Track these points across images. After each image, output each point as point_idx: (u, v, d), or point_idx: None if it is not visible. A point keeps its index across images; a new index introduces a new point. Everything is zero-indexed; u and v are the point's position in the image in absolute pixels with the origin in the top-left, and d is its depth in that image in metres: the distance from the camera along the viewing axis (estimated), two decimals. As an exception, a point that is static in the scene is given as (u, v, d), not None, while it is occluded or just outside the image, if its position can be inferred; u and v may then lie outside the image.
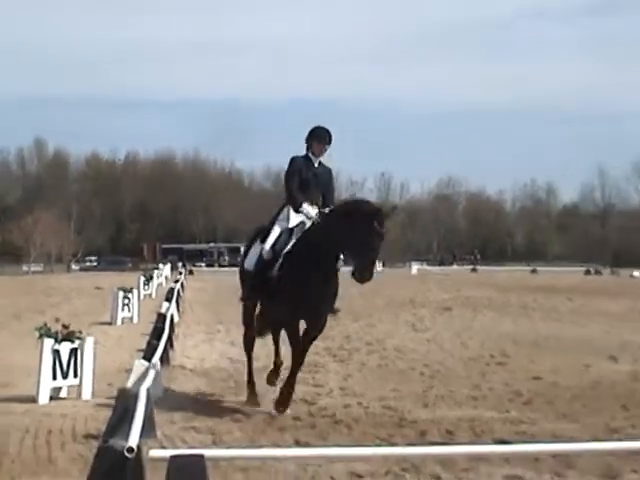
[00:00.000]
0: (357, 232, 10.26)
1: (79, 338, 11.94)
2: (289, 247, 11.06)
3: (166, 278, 50.86)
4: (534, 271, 75.85)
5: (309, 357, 16.29)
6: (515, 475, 7.79)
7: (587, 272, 73.87)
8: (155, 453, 6.76)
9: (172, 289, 29.32)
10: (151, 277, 40.00)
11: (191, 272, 70.47)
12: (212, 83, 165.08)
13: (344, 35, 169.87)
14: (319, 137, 11.30)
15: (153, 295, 35.38)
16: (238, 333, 20.87)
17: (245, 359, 12.27)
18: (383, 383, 12.88)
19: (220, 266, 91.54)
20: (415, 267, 79.08)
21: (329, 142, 11.33)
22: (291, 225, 11.23)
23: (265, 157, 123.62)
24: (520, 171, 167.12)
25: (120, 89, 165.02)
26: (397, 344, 18.20)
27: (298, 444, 9.15)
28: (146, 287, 35.84)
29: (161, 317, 17.03)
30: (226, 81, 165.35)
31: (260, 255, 11.29)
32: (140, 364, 11.15)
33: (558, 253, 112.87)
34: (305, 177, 11.18)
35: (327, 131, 11.33)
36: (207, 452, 6.83)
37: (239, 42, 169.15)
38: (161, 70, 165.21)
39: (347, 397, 11.93)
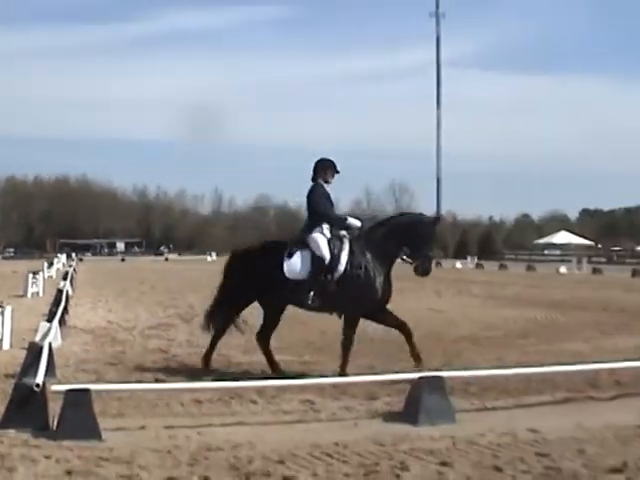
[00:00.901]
0: (423, 237, 9.75)
1: (1, 306, 11.86)
2: (346, 254, 9.61)
3: (62, 264, 49.53)
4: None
5: (163, 320, 16.31)
6: (308, 399, 7.86)
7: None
8: (55, 388, 6.73)
9: (67, 272, 29.34)
10: (52, 263, 40.14)
11: (81, 259, 70.69)
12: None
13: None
14: (331, 167, 10.01)
15: (54, 276, 34.31)
16: (115, 302, 20.88)
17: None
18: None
19: (101, 255, 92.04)
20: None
21: (337, 170, 10.07)
22: (319, 238, 9.65)
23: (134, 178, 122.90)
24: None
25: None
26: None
27: (157, 380, 9.02)
28: (49, 270, 34.88)
29: (59, 292, 16.69)
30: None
31: (314, 262, 9.52)
32: (44, 325, 10.86)
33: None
34: (329, 200, 9.97)
35: (333, 161, 10.07)
36: (92, 387, 6.81)
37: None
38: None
39: (191, 347, 11.78)
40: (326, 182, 10.02)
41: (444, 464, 5.62)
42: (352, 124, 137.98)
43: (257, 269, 9.77)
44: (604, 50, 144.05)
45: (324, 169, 10.00)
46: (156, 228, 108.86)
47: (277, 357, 10.18)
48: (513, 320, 15.74)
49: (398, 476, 5.40)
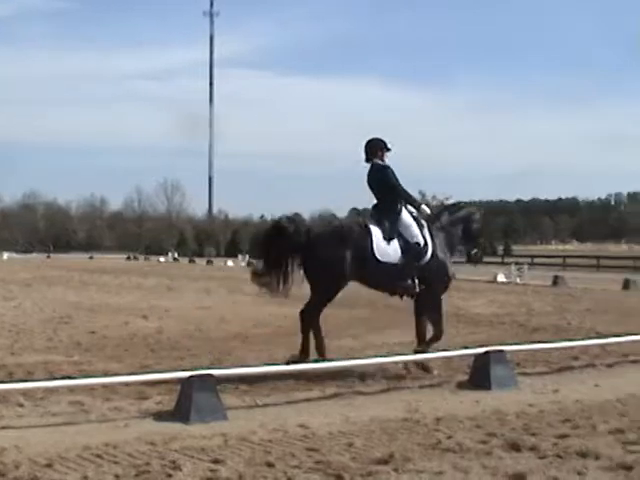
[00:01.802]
0: (478, 229, 10.48)
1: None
2: (429, 239, 9.67)
3: None
4: (91, 257, 74.64)
5: None
6: (77, 401, 7.62)
7: (128, 258, 73.91)
8: None
9: None
10: None
11: None
12: None
13: None
14: (384, 145, 9.87)
15: None
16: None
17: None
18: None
19: None
20: (5, 255, 74.79)
21: (388, 148, 9.94)
22: (410, 221, 9.64)
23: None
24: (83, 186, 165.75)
25: None
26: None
27: None
28: None
29: None
30: None
31: (410, 248, 9.44)
32: None
33: (109, 245, 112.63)
34: None
35: (383, 140, 9.92)
36: None
37: None
38: None
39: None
40: (382, 161, 9.90)
41: (216, 461, 5.63)
42: (124, 121, 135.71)
43: (346, 251, 9.29)
44: (375, 51, 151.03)
45: (380, 148, 9.90)
46: None
47: (46, 357, 9.83)
48: (284, 317, 16.04)
49: (170, 475, 5.35)
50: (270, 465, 5.60)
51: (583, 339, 10.98)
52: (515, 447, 5.98)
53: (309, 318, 9.44)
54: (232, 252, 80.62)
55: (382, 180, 9.80)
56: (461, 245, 10.49)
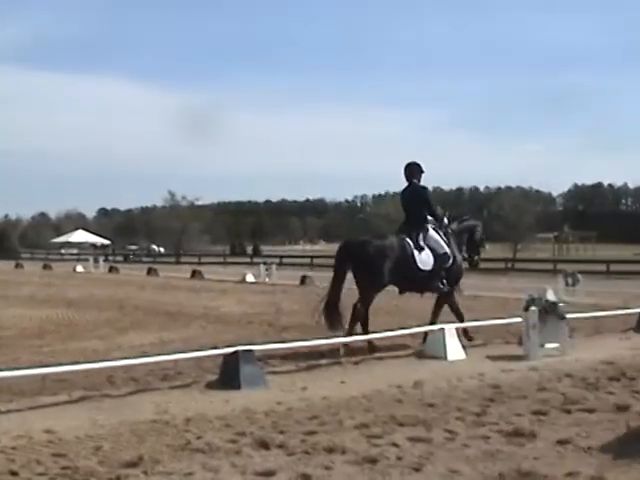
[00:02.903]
0: (477, 238, 13.04)
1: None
2: (449, 247, 12.01)
3: None
4: None
5: None
6: None
7: None
8: None
9: None
10: None
11: None
12: None
13: None
14: (420, 169, 12.19)
15: None
16: None
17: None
18: None
19: None
20: None
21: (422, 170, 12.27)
22: (436, 235, 11.98)
23: None
24: None
25: None
26: None
27: None
28: None
29: None
30: None
31: (440, 257, 11.76)
32: None
33: None
34: None
35: (419, 164, 12.24)
36: None
37: None
38: None
39: None
40: (419, 182, 12.17)
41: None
42: None
43: (395, 259, 11.41)
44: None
45: (418, 171, 12.14)
46: None
47: None
48: (29, 319, 15.43)
49: None
50: (14, 474, 5.39)
51: (330, 337, 11.41)
52: (264, 445, 6.14)
53: (361, 311, 11.53)
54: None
55: (421, 198, 12.11)
56: (464, 250, 12.83)
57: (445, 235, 12.10)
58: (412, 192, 12.08)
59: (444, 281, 11.86)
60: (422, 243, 11.68)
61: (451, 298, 12.25)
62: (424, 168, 12.15)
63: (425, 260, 11.58)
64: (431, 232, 11.90)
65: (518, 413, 7.18)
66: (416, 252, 11.54)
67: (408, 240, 11.59)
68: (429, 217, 12.08)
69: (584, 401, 7.66)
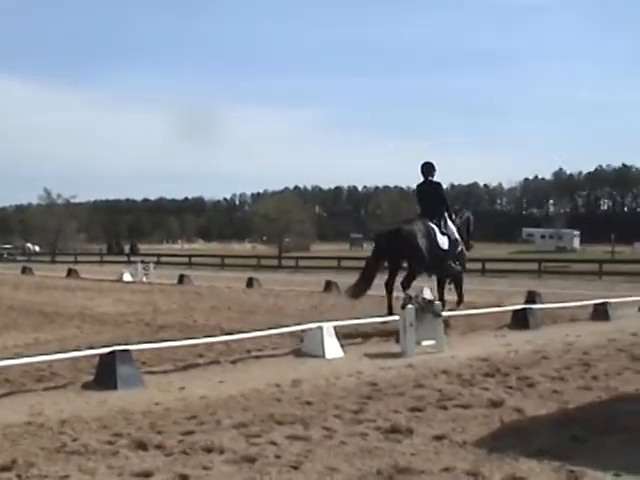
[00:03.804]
0: (472, 230, 15.36)
1: None
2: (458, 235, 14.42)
3: None
4: None
5: None
6: None
7: None
8: None
9: None
10: None
11: None
12: None
13: None
14: (434, 167, 14.37)
15: None
16: None
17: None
18: None
19: None
20: None
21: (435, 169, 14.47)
22: (450, 223, 14.30)
23: None
24: None
25: None
26: None
27: None
28: None
29: None
30: None
31: (452, 240, 14.09)
32: None
33: None
34: None
35: (433, 163, 14.46)
36: None
37: None
38: None
39: None
40: (433, 178, 14.40)
41: None
42: None
43: (428, 240, 13.56)
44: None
45: (433, 169, 14.31)
46: None
47: None
48: None
49: None
50: None
51: (208, 336, 11.38)
52: (141, 446, 6.06)
53: (406, 286, 13.19)
54: None
55: (436, 192, 14.29)
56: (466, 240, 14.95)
57: (455, 226, 14.41)
58: (430, 187, 14.32)
59: (457, 263, 14.32)
60: (443, 229, 13.94)
61: (460, 279, 14.70)
62: (436, 167, 14.31)
63: (444, 242, 13.85)
64: (450, 223, 14.23)
65: (395, 410, 7.33)
66: (439, 235, 13.76)
67: (432, 225, 13.78)
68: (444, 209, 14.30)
69: (459, 397, 7.89)
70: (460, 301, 14.78)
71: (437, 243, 13.70)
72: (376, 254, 14.05)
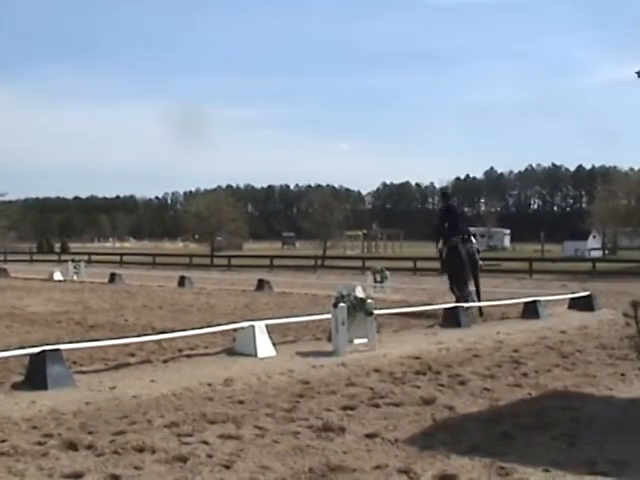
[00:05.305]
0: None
1: None
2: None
3: None
4: None
5: None
6: None
7: None
8: None
9: None
10: None
11: None
12: None
13: None
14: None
15: None
16: None
17: None
18: None
19: None
20: None
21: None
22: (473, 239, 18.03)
23: None
24: None
25: None
26: None
27: None
28: None
29: None
30: None
31: (469, 253, 16.84)
32: None
33: None
34: None
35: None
36: None
37: None
38: None
39: None
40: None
41: None
42: None
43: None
44: None
45: (451, 195, 20.14)
46: None
47: None
48: None
49: None
50: None
51: (139, 335, 11.27)
52: (72, 446, 5.98)
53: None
54: None
55: (462, 216, 19.80)
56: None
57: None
58: (454, 209, 18.26)
59: (469, 270, 16.82)
60: (468, 244, 17.03)
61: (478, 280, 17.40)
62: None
63: (464, 256, 16.66)
64: (472, 238, 17.74)
65: (327, 408, 7.37)
66: (462, 251, 16.67)
67: (460, 242, 16.81)
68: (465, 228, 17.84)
69: (391, 395, 7.97)
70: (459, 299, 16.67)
71: (466, 254, 16.77)
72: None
